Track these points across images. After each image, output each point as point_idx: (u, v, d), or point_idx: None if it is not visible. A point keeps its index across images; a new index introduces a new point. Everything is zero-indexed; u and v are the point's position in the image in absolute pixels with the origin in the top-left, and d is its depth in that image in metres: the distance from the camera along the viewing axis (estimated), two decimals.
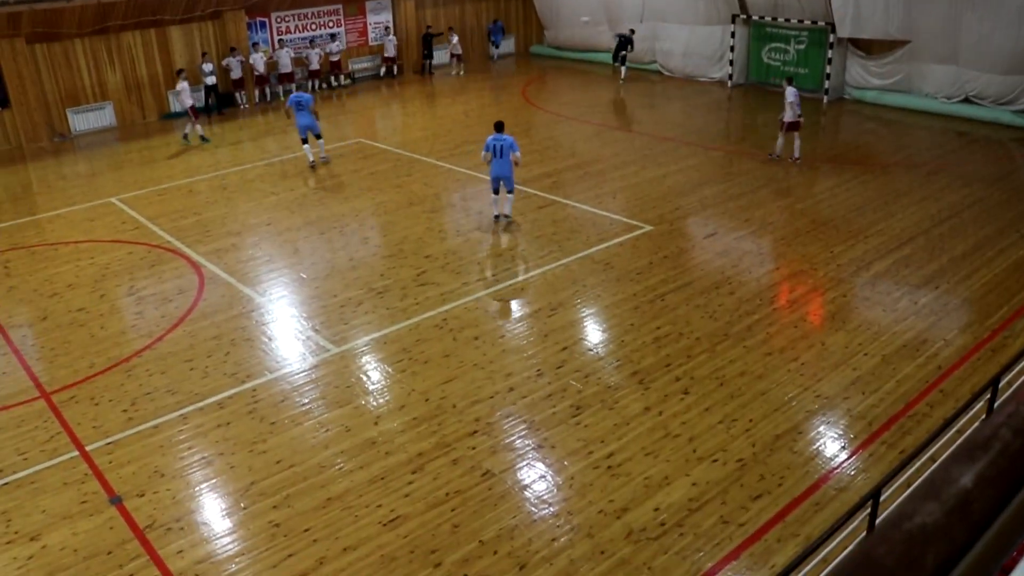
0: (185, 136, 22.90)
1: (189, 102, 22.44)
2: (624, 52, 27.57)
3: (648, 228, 15.22)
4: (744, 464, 8.88)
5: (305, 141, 19.86)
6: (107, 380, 11.24)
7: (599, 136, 21.80)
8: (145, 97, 25.79)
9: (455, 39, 30.52)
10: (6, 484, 9.24)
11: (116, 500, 8.86)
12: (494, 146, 15.01)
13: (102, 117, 25.20)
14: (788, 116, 18.11)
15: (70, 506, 8.83)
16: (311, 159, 20.11)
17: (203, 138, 23.09)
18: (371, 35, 30.17)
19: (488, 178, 15.80)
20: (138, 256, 15.30)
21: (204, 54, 26.05)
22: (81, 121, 24.90)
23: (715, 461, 8.95)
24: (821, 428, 9.47)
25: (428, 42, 30.50)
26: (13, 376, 11.48)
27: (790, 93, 18.05)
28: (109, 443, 9.85)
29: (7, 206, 18.94)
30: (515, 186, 15.64)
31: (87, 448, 9.77)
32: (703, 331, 11.64)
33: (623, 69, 27.75)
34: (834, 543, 6.83)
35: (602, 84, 28.23)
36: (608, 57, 30.40)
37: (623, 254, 14.20)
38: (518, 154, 15.09)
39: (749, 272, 13.35)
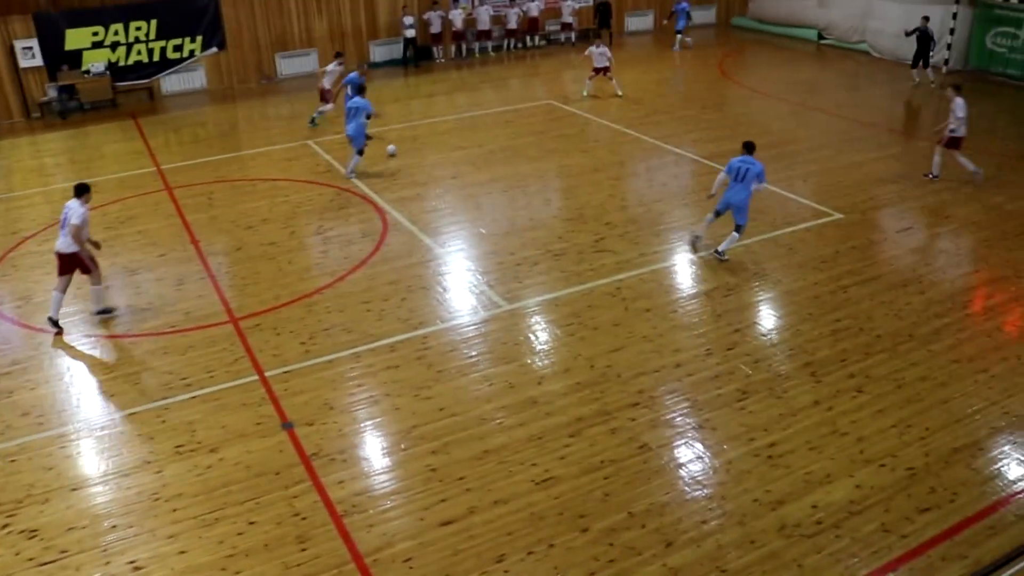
0: (312, 120, 20.99)
1: (327, 85, 20.61)
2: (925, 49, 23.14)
3: (838, 216, 14.54)
4: (914, 473, 8.41)
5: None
6: (289, 312, 11.86)
7: (795, 116, 20.93)
8: (348, 46, 26.75)
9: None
10: (193, 398, 9.96)
11: (288, 426, 9.36)
12: (737, 169, 12.67)
13: (306, 63, 26.39)
14: (960, 131, 15.59)
15: (246, 425, 9.41)
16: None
17: (312, 121, 21.01)
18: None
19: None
20: (328, 198, 15.99)
21: (405, 7, 26.74)
22: (287, 65, 26.20)
23: (883, 466, 8.52)
24: (1006, 447, 8.81)
25: (604, 11, 29.72)
26: (208, 299, 12.32)
27: (959, 105, 15.44)
28: (286, 372, 10.41)
29: (216, 141, 20.26)
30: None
31: (266, 374, 10.37)
32: (885, 329, 11.05)
33: (928, 72, 23.35)
34: (1009, 572, 6.36)
35: (804, 61, 27.06)
36: (812, 34, 29.19)
37: (808, 240, 13.65)
38: (765, 185, 12.85)
39: (943, 272, 12.55)
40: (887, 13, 26.29)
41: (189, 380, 10.33)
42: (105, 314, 11.97)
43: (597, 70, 22.61)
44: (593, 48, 22.67)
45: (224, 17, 24.68)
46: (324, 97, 20.72)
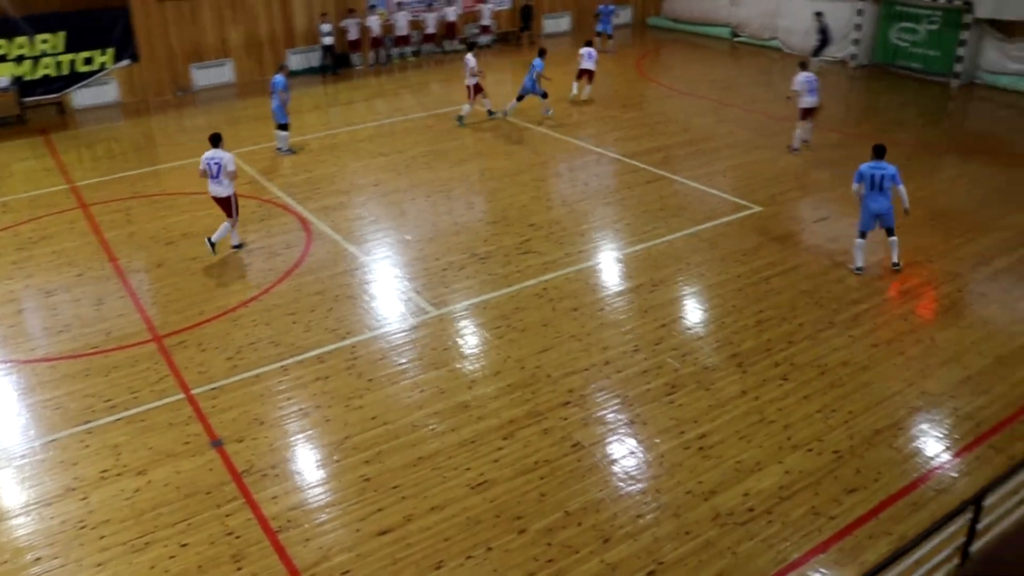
0: (460, 118, 20.84)
1: (471, 82, 20.41)
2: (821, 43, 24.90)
3: (757, 209, 14.86)
4: (840, 456, 8.65)
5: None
6: (214, 328, 11.65)
7: (713, 112, 21.34)
8: (264, 55, 26.39)
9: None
10: (118, 420, 9.71)
11: (217, 443, 9.20)
12: (871, 176, 12.04)
13: (222, 73, 25.95)
14: (807, 102, 17.32)
15: (174, 445, 9.21)
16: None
17: (491, 112, 21.30)
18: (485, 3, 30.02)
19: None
20: (249, 210, 15.74)
21: (323, 15, 26.49)
22: (203, 77, 25.70)
23: (810, 451, 8.74)
24: (924, 426, 9.12)
25: (527, 14, 30.12)
26: (129, 318, 12.02)
27: (801, 80, 17.25)
28: (213, 388, 10.23)
29: (131, 156, 19.78)
30: (624, 161, 15.29)
31: (192, 392, 10.17)
32: (807, 317, 11.34)
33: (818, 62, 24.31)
34: (930, 545, 6.58)
35: (719, 59, 27.60)
36: (725, 32, 29.77)
37: (730, 234, 13.92)
38: (903, 188, 12.06)
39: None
40: (797, 11, 26.95)
41: (113, 402, 10.07)
42: (239, 248, 14.01)
43: (583, 72, 22.24)
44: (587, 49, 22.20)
45: (136, 28, 24.10)
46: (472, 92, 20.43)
